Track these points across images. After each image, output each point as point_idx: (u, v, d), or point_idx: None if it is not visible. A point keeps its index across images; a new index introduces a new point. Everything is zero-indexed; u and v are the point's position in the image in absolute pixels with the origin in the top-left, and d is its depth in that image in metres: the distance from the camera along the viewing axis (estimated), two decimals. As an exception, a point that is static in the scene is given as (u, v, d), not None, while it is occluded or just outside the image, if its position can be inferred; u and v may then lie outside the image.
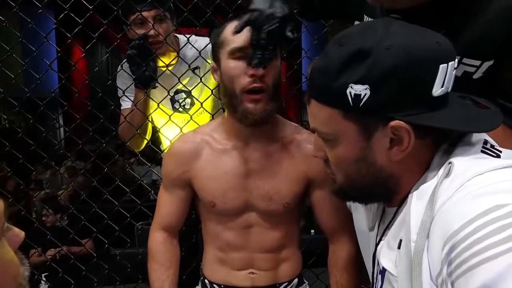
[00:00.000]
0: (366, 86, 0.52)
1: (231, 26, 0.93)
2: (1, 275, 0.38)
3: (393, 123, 0.53)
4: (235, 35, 0.91)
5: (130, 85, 1.43)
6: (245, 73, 0.89)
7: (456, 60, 0.56)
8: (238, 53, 0.91)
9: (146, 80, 1.38)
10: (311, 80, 0.59)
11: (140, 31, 1.35)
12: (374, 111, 0.54)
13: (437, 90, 0.53)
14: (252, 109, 0.91)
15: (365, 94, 0.52)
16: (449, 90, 0.56)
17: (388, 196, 0.63)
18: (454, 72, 0.55)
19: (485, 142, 0.56)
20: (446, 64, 0.53)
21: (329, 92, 0.55)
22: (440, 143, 0.58)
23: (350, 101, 0.54)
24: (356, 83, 0.53)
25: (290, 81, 1.56)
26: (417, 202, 0.55)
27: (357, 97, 0.53)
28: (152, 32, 1.36)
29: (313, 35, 1.57)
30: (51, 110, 1.43)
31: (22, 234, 0.43)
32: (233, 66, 0.91)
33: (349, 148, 0.58)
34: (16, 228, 0.42)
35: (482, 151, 0.54)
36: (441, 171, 0.53)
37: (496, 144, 0.56)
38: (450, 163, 0.53)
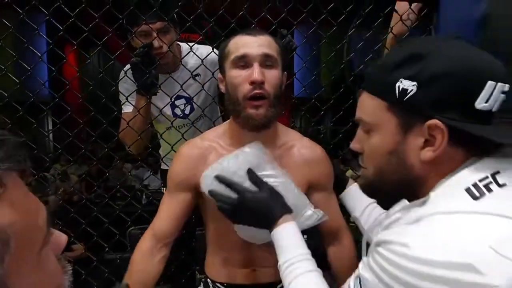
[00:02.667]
0: (415, 83, 0.58)
1: (235, 38, 0.99)
2: (45, 286, 0.37)
3: (431, 121, 0.57)
4: (237, 46, 0.97)
5: (133, 91, 1.46)
6: (246, 81, 0.94)
7: (508, 86, 0.58)
8: (239, 62, 0.96)
9: (148, 86, 1.40)
10: (368, 74, 0.66)
11: (145, 42, 1.39)
12: (415, 107, 0.58)
13: (480, 104, 0.57)
14: (254, 115, 0.96)
15: (411, 90, 0.58)
16: (494, 109, 0.58)
17: (410, 199, 0.66)
18: (503, 96, 0.58)
19: (485, 177, 0.56)
20: (494, 82, 0.57)
21: (381, 84, 0.62)
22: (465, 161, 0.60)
23: (397, 94, 0.59)
24: (406, 78, 0.58)
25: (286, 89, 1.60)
26: (397, 208, 0.65)
27: (403, 91, 0.59)
28: (156, 43, 1.39)
29: (305, 46, 1.62)
30: (42, 114, 1.44)
31: (63, 238, 0.41)
32: (235, 75, 0.97)
33: (385, 139, 0.63)
34: (57, 232, 0.41)
35: (467, 188, 0.55)
36: (420, 201, 0.61)
37: (502, 178, 0.56)
38: (427, 196, 0.60)
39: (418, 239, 0.53)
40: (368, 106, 0.65)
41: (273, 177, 0.94)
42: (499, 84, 0.57)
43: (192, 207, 1.10)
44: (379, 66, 0.64)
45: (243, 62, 0.96)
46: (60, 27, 1.27)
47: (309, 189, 1.08)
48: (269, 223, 0.87)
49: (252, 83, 0.94)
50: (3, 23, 1.29)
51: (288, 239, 0.84)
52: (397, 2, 1.47)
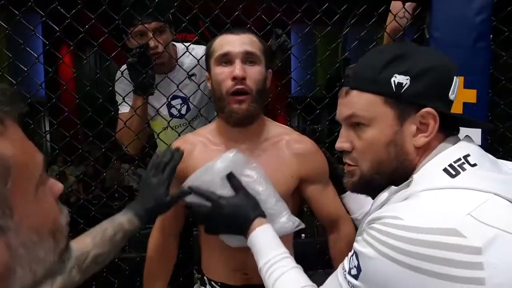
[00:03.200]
0: (408, 77, 0.66)
1: (220, 38, 1.03)
2: (40, 220, 0.41)
3: (425, 109, 0.66)
4: (221, 44, 1.01)
5: (130, 92, 1.47)
6: (228, 77, 0.99)
7: (458, 80, 0.69)
8: (222, 59, 1.01)
9: (145, 87, 1.41)
10: (356, 74, 0.71)
11: (140, 42, 1.40)
12: (410, 98, 0.66)
13: (451, 95, 0.68)
14: (237, 109, 0.99)
15: (406, 84, 0.66)
16: (454, 101, 0.69)
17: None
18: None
19: (459, 159, 0.64)
20: (456, 77, 0.69)
21: (374, 81, 0.68)
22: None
23: (393, 88, 0.66)
24: (400, 74, 0.66)
25: (281, 90, 1.62)
26: (384, 194, 0.72)
27: (399, 85, 0.66)
28: (152, 43, 1.41)
29: (300, 45, 1.63)
30: (39, 115, 1.44)
31: (59, 185, 0.46)
32: (219, 71, 1.01)
33: (384, 131, 0.68)
34: (53, 179, 0.46)
35: (444, 169, 0.64)
36: (405, 183, 0.68)
37: (472, 159, 0.65)
38: (411, 178, 0.67)
39: (408, 212, 0.60)
40: (362, 102, 0.69)
41: (252, 183, 0.95)
42: (458, 79, 0.69)
43: None
44: (365, 67, 0.70)
45: (226, 59, 1.00)
46: (56, 28, 1.28)
47: (302, 183, 1.09)
48: (244, 228, 0.89)
49: (234, 78, 0.98)
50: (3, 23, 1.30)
51: (264, 241, 0.86)
52: (392, 2, 1.48)
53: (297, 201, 1.16)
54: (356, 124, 0.71)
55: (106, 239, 0.88)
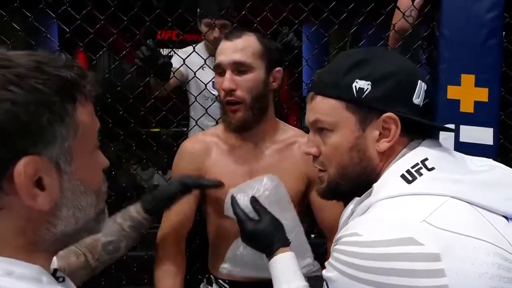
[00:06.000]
0: (369, 82, 0.66)
1: (220, 44, 1.05)
2: (89, 176, 0.48)
3: (387, 114, 0.65)
4: (218, 53, 1.03)
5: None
6: (222, 87, 1.01)
7: (425, 85, 0.69)
8: (217, 70, 1.03)
9: (163, 75, 1.44)
10: (320, 79, 0.71)
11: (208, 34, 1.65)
12: (371, 103, 0.66)
13: (416, 99, 0.67)
14: (231, 118, 1.02)
15: (367, 89, 0.66)
16: (420, 105, 0.68)
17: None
18: (424, 94, 0.69)
19: (416, 164, 0.64)
20: (422, 82, 0.68)
21: (336, 86, 0.68)
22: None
23: (355, 93, 0.66)
24: (361, 79, 0.66)
25: (292, 89, 1.62)
26: (350, 207, 0.73)
27: (360, 90, 0.66)
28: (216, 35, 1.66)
29: (314, 44, 1.63)
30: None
31: (106, 160, 0.53)
32: (216, 81, 1.04)
33: (346, 136, 0.69)
34: (102, 154, 0.53)
35: (402, 175, 0.63)
36: (366, 193, 0.68)
37: (430, 163, 0.64)
38: (372, 187, 0.67)
39: (364, 226, 0.60)
40: (325, 107, 0.69)
41: (286, 218, 0.95)
42: (423, 83, 0.69)
43: (199, 198, 1.13)
44: (330, 71, 0.71)
45: (220, 69, 1.03)
46: (67, 29, 1.31)
47: (309, 185, 1.09)
48: (267, 250, 0.88)
49: (224, 90, 1.00)
50: (18, 24, 1.34)
51: (281, 271, 0.85)
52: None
53: (305, 204, 1.16)
54: (321, 129, 0.71)
55: (114, 227, 0.91)
